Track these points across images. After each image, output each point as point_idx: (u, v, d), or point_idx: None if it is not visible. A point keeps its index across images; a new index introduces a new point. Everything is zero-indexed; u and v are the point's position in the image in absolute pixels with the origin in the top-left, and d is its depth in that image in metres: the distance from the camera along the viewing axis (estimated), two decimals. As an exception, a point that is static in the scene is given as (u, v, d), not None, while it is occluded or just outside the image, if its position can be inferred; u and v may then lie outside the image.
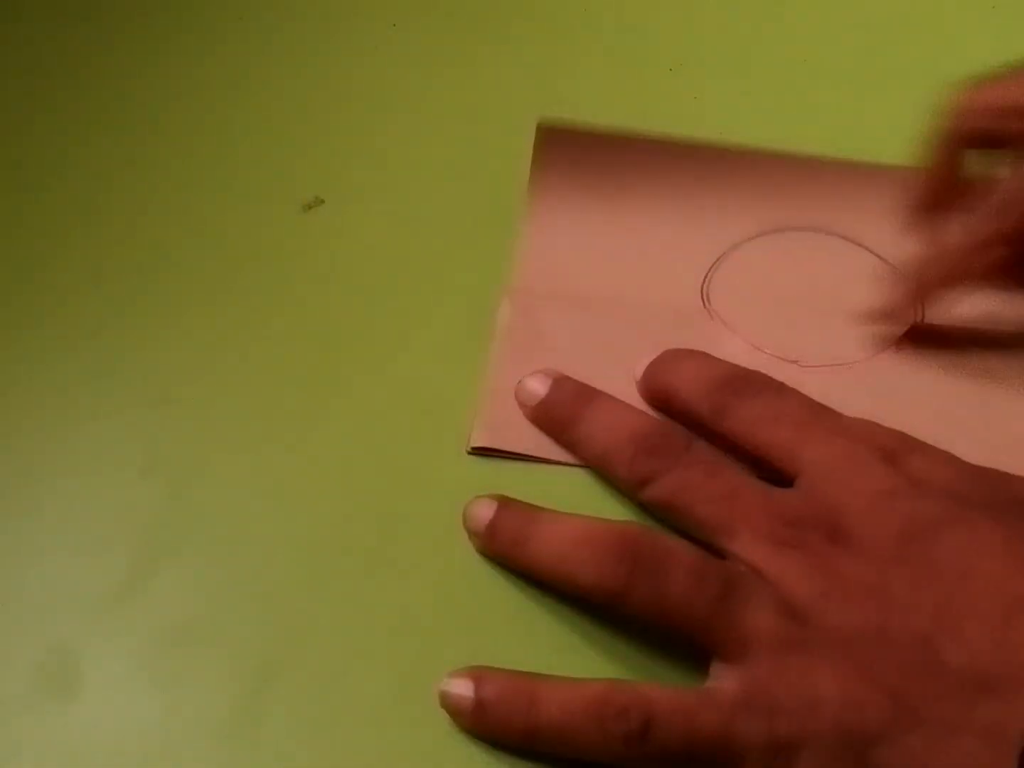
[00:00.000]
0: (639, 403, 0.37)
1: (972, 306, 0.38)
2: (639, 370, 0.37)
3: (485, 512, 0.33)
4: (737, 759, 0.29)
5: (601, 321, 0.39)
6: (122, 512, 0.35)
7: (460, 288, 0.40)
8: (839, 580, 0.29)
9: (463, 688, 0.31)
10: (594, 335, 0.39)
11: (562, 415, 0.36)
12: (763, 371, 0.35)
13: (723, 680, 0.30)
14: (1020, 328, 0.39)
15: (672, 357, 0.36)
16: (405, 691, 0.31)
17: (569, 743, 0.30)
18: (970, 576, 0.28)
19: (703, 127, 0.44)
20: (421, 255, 0.42)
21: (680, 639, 0.31)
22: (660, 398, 0.36)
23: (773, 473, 0.33)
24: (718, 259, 0.41)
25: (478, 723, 0.30)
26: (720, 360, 0.36)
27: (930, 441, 0.33)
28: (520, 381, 0.37)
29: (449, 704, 0.31)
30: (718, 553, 0.31)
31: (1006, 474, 0.32)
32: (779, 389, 0.35)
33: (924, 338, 0.39)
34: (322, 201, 0.43)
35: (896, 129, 0.40)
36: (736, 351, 0.38)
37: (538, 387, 0.36)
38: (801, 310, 0.40)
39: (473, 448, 0.36)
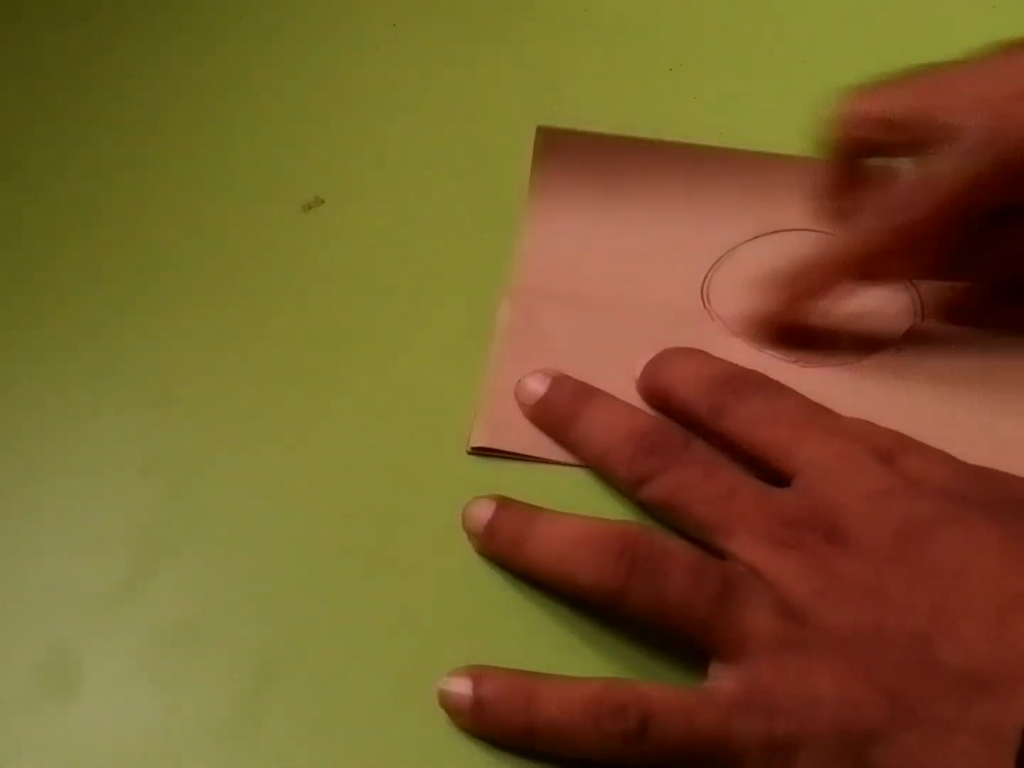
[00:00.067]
0: (639, 403, 0.37)
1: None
2: (638, 370, 0.37)
3: (484, 512, 0.33)
4: (735, 758, 0.29)
5: (601, 321, 0.39)
6: (122, 512, 0.35)
7: (460, 288, 0.40)
8: (836, 580, 0.29)
9: (462, 687, 0.31)
10: (594, 335, 0.39)
11: (561, 414, 0.36)
12: (762, 371, 0.35)
13: (722, 680, 0.30)
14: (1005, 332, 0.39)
15: (670, 356, 0.36)
16: (405, 691, 0.31)
17: (568, 742, 0.30)
18: (966, 575, 0.28)
19: (703, 127, 0.44)
20: (421, 255, 0.42)
21: (679, 639, 0.31)
22: (658, 397, 0.36)
23: (770, 473, 0.33)
24: (718, 259, 0.41)
25: (477, 722, 0.30)
26: (718, 359, 0.36)
27: (928, 441, 0.33)
28: (520, 380, 0.37)
29: (448, 703, 0.31)
30: (717, 553, 0.31)
31: (1003, 473, 0.32)
32: (777, 389, 0.35)
33: (924, 338, 0.39)
34: (322, 201, 0.43)
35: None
36: (736, 351, 0.38)
37: (537, 386, 0.36)
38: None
39: (473, 448, 0.36)
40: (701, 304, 0.40)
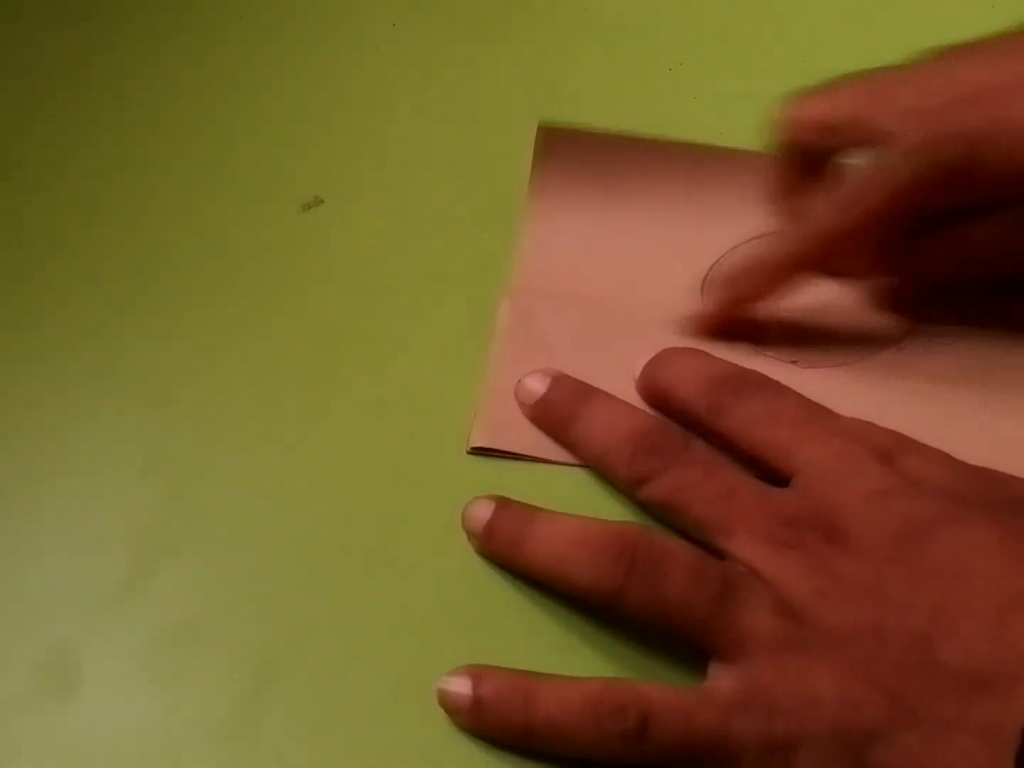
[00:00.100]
0: (639, 403, 0.37)
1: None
2: (638, 370, 0.37)
3: (483, 513, 0.33)
4: (735, 758, 0.29)
5: (601, 321, 0.39)
6: (122, 512, 0.35)
7: (460, 288, 0.40)
8: (836, 580, 0.29)
9: (461, 686, 0.31)
10: (594, 335, 0.39)
11: (561, 413, 0.36)
12: (762, 371, 0.35)
13: (721, 680, 0.30)
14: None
15: (669, 356, 0.36)
16: (405, 690, 0.31)
17: (567, 741, 0.30)
18: (966, 575, 0.29)
19: (703, 127, 0.44)
20: (421, 255, 0.42)
21: (678, 639, 0.31)
22: (658, 397, 0.36)
23: (770, 473, 0.33)
24: (718, 259, 0.41)
25: (476, 721, 0.30)
26: (718, 359, 0.36)
27: (928, 441, 0.33)
28: (520, 380, 0.37)
29: (447, 702, 0.31)
30: (716, 553, 0.31)
31: (1002, 474, 0.32)
32: (776, 388, 0.35)
33: (924, 338, 0.39)
34: (322, 201, 0.43)
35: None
36: (736, 351, 0.38)
37: (537, 385, 0.36)
38: (800, 310, 0.40)
39: (473, 448, 0.36)
40: (701, 304, 0.40)
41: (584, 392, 0.36)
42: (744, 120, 0.44)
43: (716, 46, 0.48)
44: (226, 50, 0.49)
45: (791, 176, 0.38)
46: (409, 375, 0.38)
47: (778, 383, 0.35)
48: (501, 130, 0.46)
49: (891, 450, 0.32)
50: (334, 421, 0.37)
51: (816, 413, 0.34)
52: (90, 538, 0.34)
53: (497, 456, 0.36)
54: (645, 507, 0.34)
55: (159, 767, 0.30)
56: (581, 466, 0.35)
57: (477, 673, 0.31)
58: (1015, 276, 0.37)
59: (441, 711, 0.31)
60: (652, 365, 0.36)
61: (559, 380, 0.36)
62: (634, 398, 0.37)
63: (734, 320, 0.38)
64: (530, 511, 0.33)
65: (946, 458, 0.32)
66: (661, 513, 0.33)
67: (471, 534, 0.34)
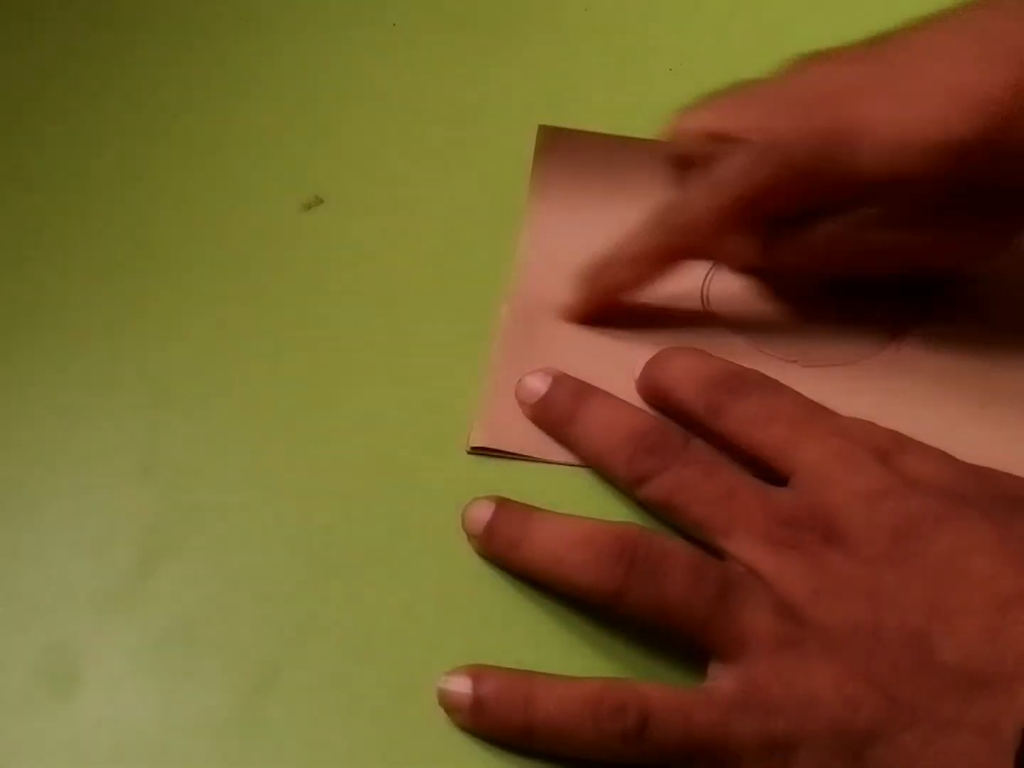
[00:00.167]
0: (639, 403, 0.37)
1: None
2: (638, 369, 0.37)
3: (483, 514, 0.33)
4: (734, 758, 0.29)
5: (601, 322, 0.39)
6: (122, 511, 0.35)
7: (460, 288, 0.40)
8: (834, 579, 0.29)
9: (461, 686, 0.31)
10: (594, 335, 0.39)
11: (561, 413, 0.36)
12: (762, 371, 0.35)
13: (721, 679, 0.30)
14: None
15: (669, 355, 0.36)
16: (405, 690, 0.31)
17: (566, 741, 0.30)
18: (964, 574, 0.29)
19: (703, 127, 0.44)
20: (421, 255, 0.42)
21: (678, 639, 0.31)
22: (658, 397, 0.36)
23: (769, 472, 0.33)
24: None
25: (476, 720, 0.31)
26: (717, 358, 0.36)
27: (927, 441, 0.33)
28: (520, 379, 0.37)
29: (447, 702, 0.31)
30: (716, 553, 0.31)
31: (1001, 472, 0.32)
32: (775, 388, 0.35)
33: (924, 338, 0.39)
34: (322, 201, 0.43)
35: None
36: (735, 351, 0.38)
37: (538, 385, 0.36)
38: (801, 310, 0.40)
39: (473, 448, 0.36)
40: (701, 304, 0.40)
41: (584, 392, 0.36)
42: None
43: (716, 46, 0.48)
44: (226, 50, 0.49)
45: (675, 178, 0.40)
46: (409, 375, 0.38)
47: (777, 382, 0.35)
48: (501, 130, 0.46)
49: (890, 450, 0.32)
50: (334, 421, 0.37)
51: (815, 412, 0.34)
52: (90, 537, 0.34)
53: (497, 456, 0.36)
54: (645, 507, 0.34)
55: (159, 766, 0.30)
56: (581, 466, 0.36)
57: (477, 673, 0.31)
58: (865, 276, 0.38)
59: (441, 711, 0.31)
60: (652, 365, 0.36)
61: (560, 380, 0.36)
62: (634, 398, 0.37)
63: (610, 308, 0.39)
64: (530, 512, 0.33)
65: (945, 457, 0.32)
66: (661, 513, 0.33)
67: (471, 535, 0.34)
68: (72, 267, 0.41)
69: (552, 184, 0.43)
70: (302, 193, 0.43)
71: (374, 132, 0.46)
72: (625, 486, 0.34)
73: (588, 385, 0.36)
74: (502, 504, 0.33)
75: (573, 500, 0.34)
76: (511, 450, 0.36)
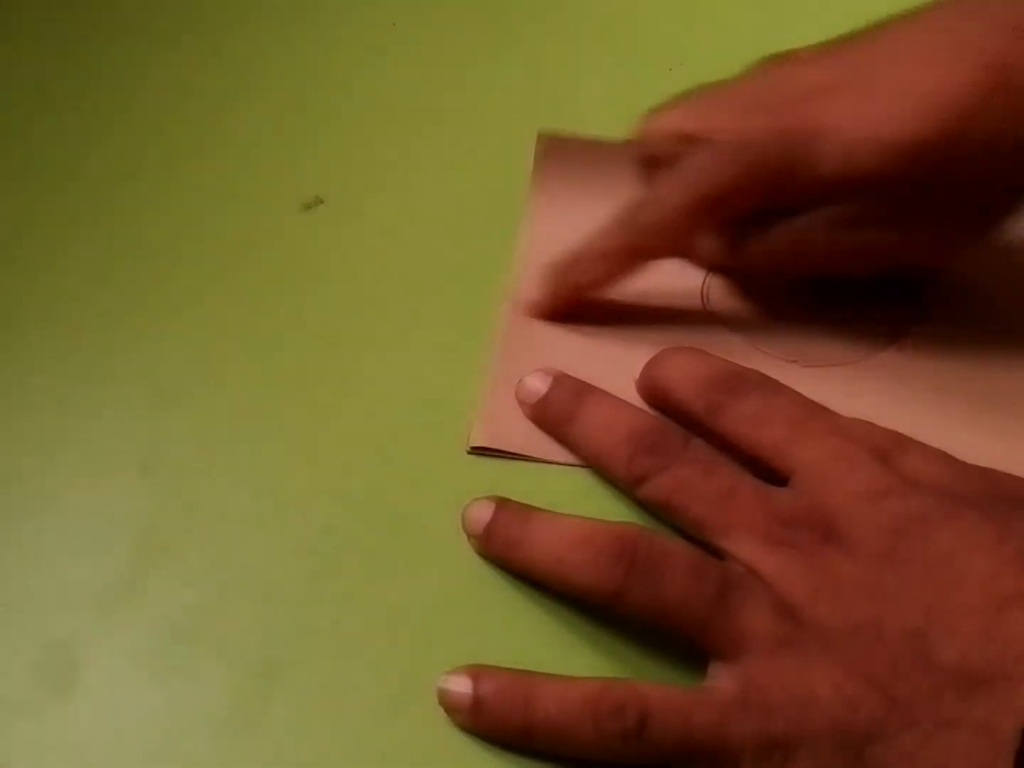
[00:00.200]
0: (639, 403, 0.37)
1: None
2: (638, 370, 0.37)
3: (482, 514, 0.33)
4: (734, 758, 0.29)
5: (601, 321, 0.39)
6: (122, 510, 0.35)
7: (460, 287, 0.40)
8: (833, 579, 0.29)
9: (461, 685, 0.31)
10: (594, 335, 0.39)
11: (561, 413, 0.36)
12: (762, 370, 0.35)
13: (720, 679, 0.30)
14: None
15: (669, 356, 0.36)
16: (405, 689, 0.31)
17: (566, 740, 0.30)
18: (963, 573, 0.29)
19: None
20: (421, 255, 0.42)
21: (678, 639, 0.31)
22: (657, 396, 0.36)
23: (768, 472, 0.33)
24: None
25: (476, 720, 0.31)
26: (716, 358, 0.36)
27: (927, 441, 0.33)
28: (520, 379, 0.37)
29: (447, 701, 0.31)
30: (715, 552, 0.31)
31: (1000, 472, 0.32)
32: (774, 387, 0.35)
33: (924, 338, 0.39)
34: (322, 201, 0.43)
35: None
36: (736, 351, 0.38)
37: (538, 385, 0.36)
38: (801, 310, 0.40)
39: (472, 448, 0.36)
40: (701, 304, 0.40)
41: (584, 392, 0.36)
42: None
43: (716, 46, 0.48)
44: (226, 50, 0.49)
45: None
46: (409, 375, 0.38)
47: (776, 382, 0.35)
48: (501, 129, 0.46)
49: (889, 449, 0.32)
50: (334, 420, 0.37)
51: (814, 412, 0.34)
52: (90, 537, 0.34)
53: (497, 456, 0.36)
54: (644, 506, 0.34)
55: (159, 765, 0.30)
56: (581, 466, 0.35)
57: (477, 672, 0.31)
58: (837, 274, 0.38)
59: (441, 710, 0.31)
60: (651, 365, 0.36)
61: (560, 380, 0.36)
62: (634, 398, 0.37)
63: (577, 305, 0.39)
64: (529, 512, 0.33)
65: (944, 457, 0.32)
66: (660, 513, 0.33)
67: (471, 535, 0.34)
68: (72, 266, 0.41)
69: (551, 188, 0.43)
70: (302, 193, 0.44)
71: (374, 132, 0.46)
72: (625, 486, 0.34)
73: (588, 385, 0.36)
74: (502, 504, 0.33)
75: (573, 500, 0.34)
76: (511, 450, 0.36)
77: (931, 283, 0.40)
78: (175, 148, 0.45)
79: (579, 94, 0.47)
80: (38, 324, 0.40)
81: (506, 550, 0.33)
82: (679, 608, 0.30)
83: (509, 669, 0.31)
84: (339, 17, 0.50)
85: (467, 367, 0.38)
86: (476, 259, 0.41)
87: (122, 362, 0.39)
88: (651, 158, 0.39)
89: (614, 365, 0.37)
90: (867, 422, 0.33)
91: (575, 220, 0.42)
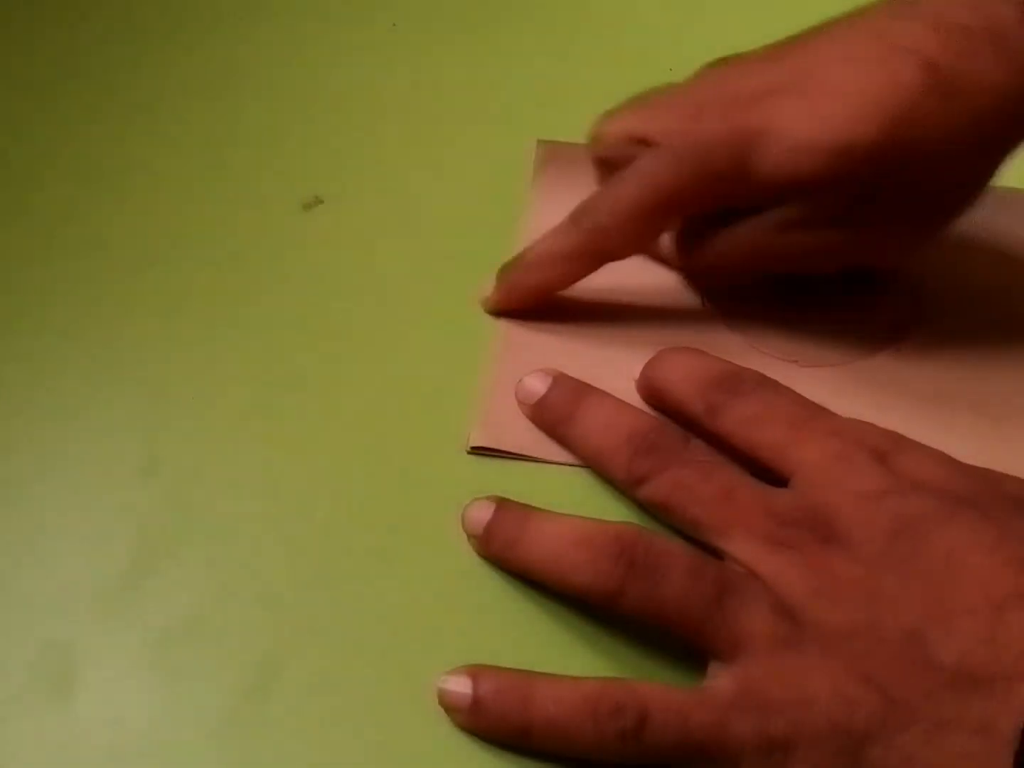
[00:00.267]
0: (639, 403, 0.37)
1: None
2: (638, 370, 0.37)
3: (482, 514, 0.33)
4: (732, 758, 0.29)
5: (600, 322, 0.39)
6: (121, 510, 0.35)
7: (460, 287, 0.40)
8: (832, 579, 0.29)
9: (460, 685, 0.31)
10: (593, 335, 0.39)
11: (561, 413, 0.36)
12: (763, 371, 0.35)
13: (719, 679, 0.30)
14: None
15: (669, 356, 0.36)
16: (404, 689, 0.31)
17: (565, 740, 0.30)
18: (962, 573, 0.28)
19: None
20: (421, 255, 0.42)
21: (677, 639, 0.31)
22: (657, 397, 0.36)
23: (768, 472, 0.33)
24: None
25: (475, 720, 0.30)
26: (716, 359, 0.36)
27: (926, 441, 0.33)
28: (520, 380, 0.37)
29: (447, 701, 0.31)
30: (714, 553, 0.31)
31: (999, 473, 0.32)
32: (774, 388, 0.35)
33: (923, 338, 0.39)
34: (322, 201, 0.43)
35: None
36: (736, 351, 0.38)
37: (538, 385, 0.36)
38: (801, 310, 0.40)
39: (472, 448, 0.36)
40: (701, 304, 0.40)
41: (584, 392, 0.36)
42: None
43: (716, 46, 0.48)
44: (227, 50, 0.49)
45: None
46: (409, 375, 0.38)
47: (776, 382, 0.35)
48: (501, 130, 0.46)
49: (888, 450, 0.32)
50: (334, 420, 0.37)
51: (814, 413, 0.34)
52: (89, 537, 0.34)
53: (497, 456, 0.36)
54: (644, 507, 0.34)
55: (158, 765, 0.30)
56: (581, 466, 0.36)
57: (476, 672, 0.31)
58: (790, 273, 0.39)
59: (440, 710, 0.31)
60: (651, 366, 0.36)
61: (559, 380, 0.36)
62: (634, 398, 0.37)
63: (528, 305, 0.39)
64: (529, 512, 0.33)
65: (943, 458, 0.32)
66: (659, 513, 0.33)
67: (470, 535, 0.34)
68: (73, 266, 0.41)
69: (550, 194, 0.43)
70: (302, 193, 0.44)
71: (374, 132, 0.46)
72: (624, 487, 0.34)
73: (587, 386, 0.36)
74: (501, 504, 0.33)
75: (572, 500, 0.34)
76: (511, 450, 0.36)
77: (930, 284, 0.40)
78: (175, 148, 0.45)
79: (579, 94, 0.47)
80: (37, 324, 0.40)
81: (505, 550, 0.33)
82: (678, 608, 0.30)
83: (508, 669, 0.31)
84: (339, 17, 0.51)
85: (467, 367, 0.38)
86: (475, 258, 0.41)
87: (121, 363, 0.39)
88: (605, 160, 0.40)
89: (614, 365, 0.37)
90: (866, 423, 0.33)
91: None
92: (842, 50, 0.36)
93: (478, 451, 0.36)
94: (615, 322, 0.39)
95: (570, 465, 0.36)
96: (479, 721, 0.31)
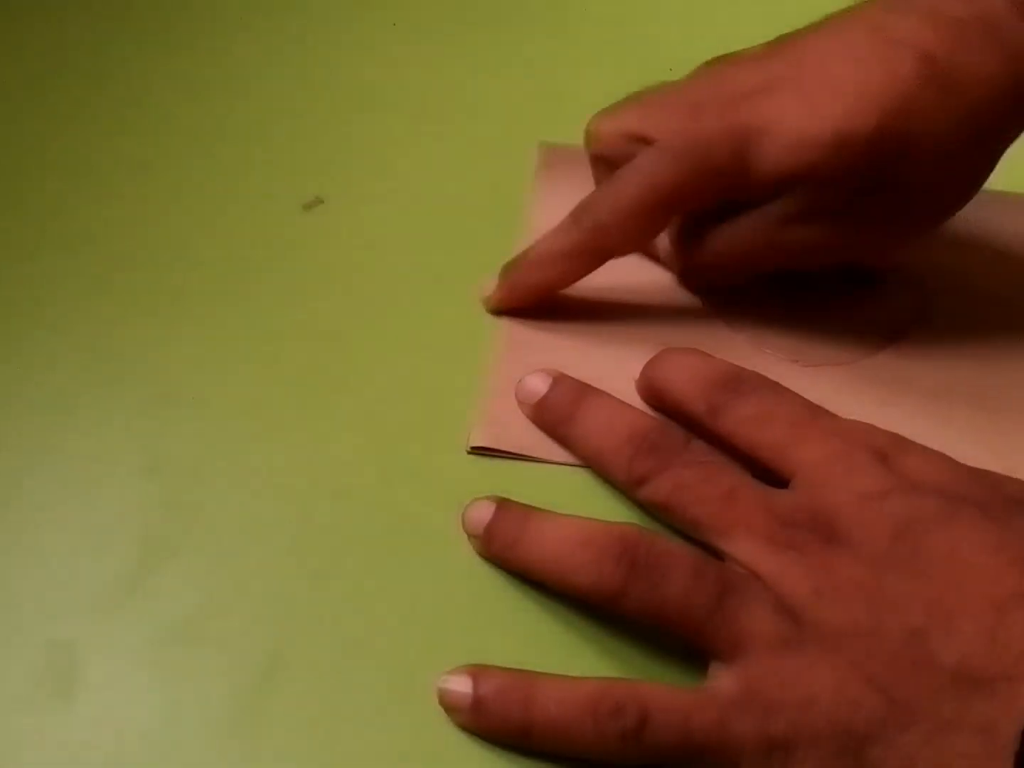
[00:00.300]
0: (640, 404, 0.37)
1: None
2: (639, 370, 0.37)
3: (483, 514, 0.33)
4: (733, 758, 0.29)
5: (601, 321, 0.39)
6: (124, 510, 0.35)
7: (460, 287, 0.40)
8: (834, 580, 0.29)
9: (461, 685, 0.31)
10: (594, 335, 0.39)
11: (562, 414, 0.36)
12: (764, 371, 0.35)
13: (720, 680, 0.30)
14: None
15: (669, 356, 0.36)
16: (405, 689, 0.31)
17: (566, 740, 0.30)
18: (963, 574, 0.28)
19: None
20: (421, 255, 0.42)
21: (678, 639, 0.31)
22: (657, 397, 0.36)
23: (768, 473, 0.33)
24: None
25: (476, 720, 0.30)
26: (717, 359, 0.36)
27: (927, 438, 0.33)
28: (520, 380, 0.37)
29: (447, 701, 0.31)
30: (715, 553, 0.31)
31: (1000, 475, 0.32)
32: (775, 389, 0.35)
33: (924, 338, 0.39)
34: (322, 201, 0.43)
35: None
36: (737, 351, 0.38)
37: (538, 385, 0.36)
38: (801, 310, 0.40)
39: (472, 448, 0.36)
40: (701, 304, 0.40)
41: (585, 393, 0.36)
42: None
43: (716, 46, 0.48)
44: (227, 50, 0.49)
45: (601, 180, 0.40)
46: (409, 375, 0.38)
47: (776, 384, 0.35)
48: (501, 129, 0.46)
49: (889, 451, 0.32)
50: (334, 420, 0.37)
51: (814, 414, 0.34)
52: (93, 537, 0.34)
53: (497, 456, 0.36)
54: (644, 508, 0.34)
55: (160, 765, 0.30)
56: (581, 466, 0.35)
57: (477, 672, 0.31)
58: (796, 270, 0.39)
59: (441, 710, 0.31)
60: (651, 366, 0.36)
61: (560, 380, 0.36)
62: (634, 399, 0.37)
63: (529, 303, 0.39)
64: (530, 512, 0.33)
65: (944, 459, 0.32)
66: (660, 514, 0.33)
67: (471, 535, 0.34)
68: (74, 266, 0.41)
69: (551, 196, 0.43)
70: (302, 193, 0.44)
71: (374, 132, 0.46)
72: (624, 488, 0.34)
73: (588, 386, 0.36)
74: (502, 504, 0.33)
75: (573, 500, 0.34)
76: (511, 450, 0.36)
77: (930, 283, 0.40)
78: (176, 148, 0.45)
79: (579, 94, 0.47)
80: (39, 325, 0.40)
81: (506, 550, 0.33)
82: (680, 609, 0.30)
83: (509, 669, 0.31)
84: (339, 17, 0.50)
85: (467, 367, 0.38)
86: (476, 258, 0.41)
87: (124, 363, 0.39)
88: (602, 158, 0.40)
89: (614, 365, 0.37)
90: (867, 424, 0.33)
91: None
92: (838, 45, 0.36)
93: (478, 451, 0.36)
94: (615, 322, 0.39)
95: (570, 465, 0.36)
96: (480, 721, 0.30)
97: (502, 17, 0.50)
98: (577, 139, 0.41)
